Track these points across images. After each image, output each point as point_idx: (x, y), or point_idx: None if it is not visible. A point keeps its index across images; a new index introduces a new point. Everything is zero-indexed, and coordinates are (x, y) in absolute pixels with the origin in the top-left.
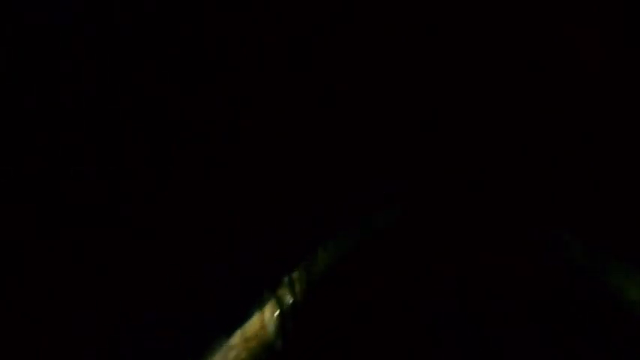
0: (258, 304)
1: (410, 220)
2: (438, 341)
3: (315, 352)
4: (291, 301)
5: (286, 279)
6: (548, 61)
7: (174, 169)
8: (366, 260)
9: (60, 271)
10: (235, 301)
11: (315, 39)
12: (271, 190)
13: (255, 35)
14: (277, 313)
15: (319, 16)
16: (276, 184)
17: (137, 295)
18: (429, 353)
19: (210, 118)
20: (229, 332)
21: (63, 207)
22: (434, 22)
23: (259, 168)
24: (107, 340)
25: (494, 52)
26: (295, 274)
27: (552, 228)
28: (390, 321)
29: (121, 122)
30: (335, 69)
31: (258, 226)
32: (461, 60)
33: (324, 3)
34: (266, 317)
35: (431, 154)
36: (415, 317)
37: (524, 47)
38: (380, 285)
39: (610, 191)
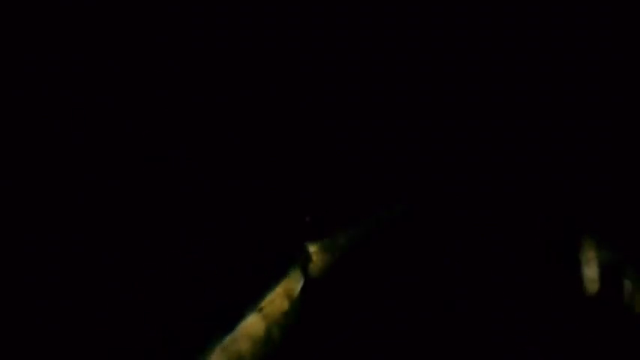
0: (275, 281)
1: (416, 215)
2: (442, 336)
3: (322, 342)
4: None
5: (294, 269)
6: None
7: (182, 169)
8: (372, 254)
9: (59, 270)
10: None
11: (319, 38)
12: (284, 182)
13: (256, 35)
14: (293, 295)
15: (321, 17)
16: (288, 176)
17: (144, 287)
18: (433, 347)
19: (212, 117)
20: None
21: (62, 206)
22: (435, 23)
23: (273, 161)
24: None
25: (495, 52)
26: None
27: (557, 226)
28: (394, 316)
29: (121, 122)
30: (336, 68)
31: (271, 215)
32: (464, 58)
33: (326, 4)
34: (284, 294)
35: (436, 151)
36: (420, 311)
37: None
38: (385, 279)
39: (612, 190)
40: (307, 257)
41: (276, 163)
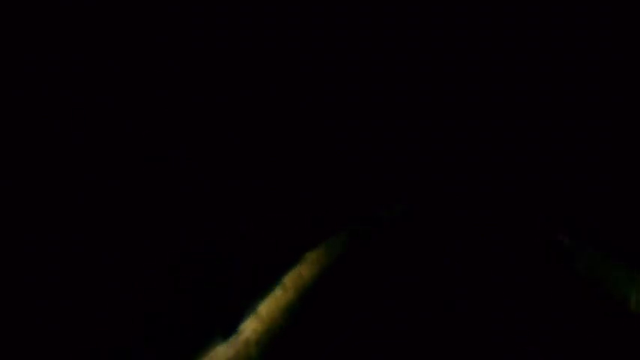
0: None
1: (415, 215)
2: (442, 336)
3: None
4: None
5: (295, 267)
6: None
7: (182, 169)
8: (372, 254)
9: (60, 270)
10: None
11: (319, 38)
12: (284, 182)
13: (256, 35)
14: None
15: (321, 17)
16: (288, 176)
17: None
18: (433, 347)
19: (212, 117)
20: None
21: (63, 206)
22: (435, 24)
23: (273, 163)
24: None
25: (495, 52)
26: (304, 263)
27: (556, 228)
28: (394, 316)
29: (121, 122)
30: (336, 68)
31: (274, 215)
32: (464, 58)
33: (328, 4)
34: (286, 293)
35: (436, 151)
36: (420, 311)
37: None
38: (385, 279)
39: (610, 192)
40: (308, 257)
41: (277, 163)
